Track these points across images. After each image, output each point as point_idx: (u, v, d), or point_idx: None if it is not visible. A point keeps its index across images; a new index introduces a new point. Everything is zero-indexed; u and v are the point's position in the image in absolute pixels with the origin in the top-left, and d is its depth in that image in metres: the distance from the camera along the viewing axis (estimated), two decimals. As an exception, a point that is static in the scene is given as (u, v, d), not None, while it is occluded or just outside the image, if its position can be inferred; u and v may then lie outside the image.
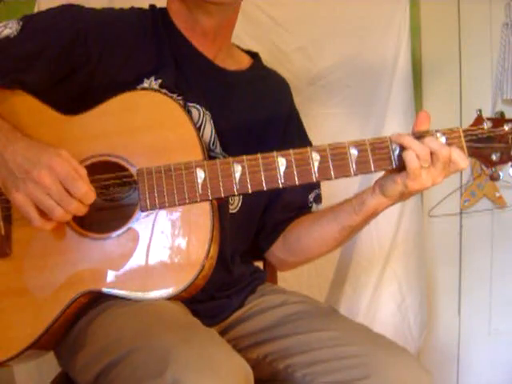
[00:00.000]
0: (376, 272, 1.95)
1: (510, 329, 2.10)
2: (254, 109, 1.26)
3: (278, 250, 1.31)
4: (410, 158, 0.97)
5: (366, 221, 1.15)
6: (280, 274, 1.46)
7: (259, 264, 1.39)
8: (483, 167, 1.97)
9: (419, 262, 1.98)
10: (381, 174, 1.08)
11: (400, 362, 1.02)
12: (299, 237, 1.26)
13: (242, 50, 1.35)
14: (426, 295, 2.00)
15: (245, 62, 1.32)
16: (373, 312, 1.95)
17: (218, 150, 1.18)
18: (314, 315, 1.17)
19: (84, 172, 1.00)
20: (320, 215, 1.24)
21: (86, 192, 0.98)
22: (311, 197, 1.31)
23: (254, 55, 1.35)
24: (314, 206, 1.32)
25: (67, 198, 0.97)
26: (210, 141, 1.17)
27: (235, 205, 1.20)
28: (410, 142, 0.98)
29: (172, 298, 1.02)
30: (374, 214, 1.12)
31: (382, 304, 1.95)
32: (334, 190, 1.42)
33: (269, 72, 1.38)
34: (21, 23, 1.09)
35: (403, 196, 1.05)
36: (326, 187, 1.35)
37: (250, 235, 1.30)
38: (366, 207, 1.10)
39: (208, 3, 1.13)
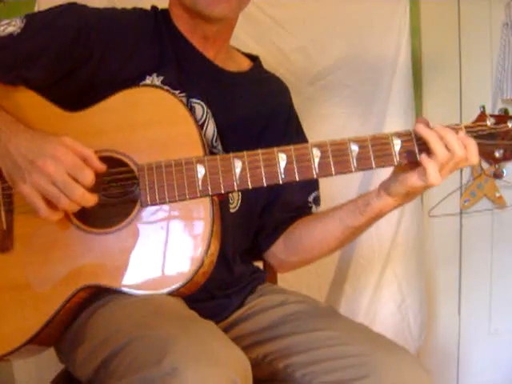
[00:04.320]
0: (376, 272, 1.95)
1: (510, 329, 2.10)
2: (254, 109, 1.27)
3: (278, 251, 1.30)
4: (431, 166, 0.97)
5: (370, 222, 1.15)
6: (280, 274, 1.46)
7: (259, 264, 1.39)
8: (483, 166, 1.97)
9: (419, 261, 1.98)
10: (382, 171, 1.08)
11: (400, 362, 1.02)
12: (301, 236, 1.26)
13: (243, 54, 1.35)
14: (425, 295, 2.00)
15: (245, 65, 1.32)
16: (373, 312, 1.95)
17: (220, 146, 1.19)
18: (314, 315, 1.17)
19: (90, 153, 1.00)
20: (323, 214, 1.24)
21: (93, 179, 0.99)
22: (311, 198, 1.31)
23: (255, 58, 1.35)
24: (314, 208, 1.32)
25: (71, 186, 0.97)
26: (212, 138, 1.17)
27: (234, 204, 1.20)
28: (435, 143, 0.96)
29: (172, 294, 1.02)
30: (378, 216, 1.12)
31: (382, 304, 1.95)
32: (334, 190, 1.42)
33: (268, 75, 1.38)
34: (24, 21, 1.10)
35: (408, 195, 1.05)
36: (325, 187, 1.35)
37: (250, 235, 1.30)
38: (371, 208, 1.10)
39: (209, 17, 1.14)
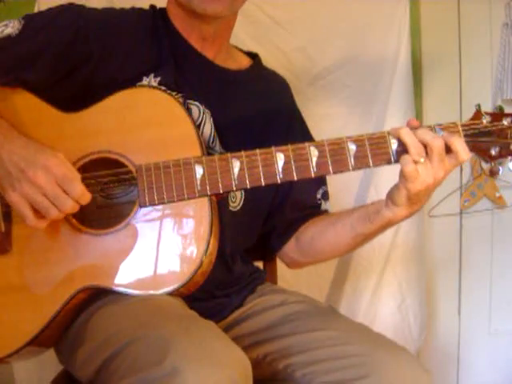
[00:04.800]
0: (376, 272, 1.95)
1: (510, 329, 2.09)
2: (254, 107, 1.26)
3: (290, 250, 1.31)
4: (404, 161, 0.96)
5: (381, 230, 1.14)
6: (280, 274, 1.46)
7: (259, 264, 1.39)
8: (482, 164, 1.97)
9: (419, 262, 1.98)
10: (382, 171, 1.07)
11: (399, 362, 1.02)
12: (313, 238, 1.26)
13: (242, 52, 1.35)
14: (425, 295, 2.00)
15: (244, 63, 1.32)
16: (373, 312, 1.95)
17: (218, 147, 1.18)
18: (314, 315, 1.17)
19: (78, 176, 1.01)
20: (335, 218, 1.23)
21: (83, 193, 0.99)
22: (319, 194, 1.31)
23: (254, 56, 1.35)
24: (323, 204, 1.32)
25: (62, 198, 0.98)
26: (209, 139, 1.17)
27: (237, 203, 1.20)
28: (405, 135, 0.97)
29: (171, 294, 1.02)
30: (388, 225, 1.10)
31: (382, 304, 1.95)
32: (334, 190, 1.42)
33: (269, 72, 1.38)
34: (22, 22, 1.10)
35: (412, 201, 1.02)
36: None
37: (253, 234, 1.30)
38: (381, 217, 1.08)
39: (204, 16, 1.14)
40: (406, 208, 1.04)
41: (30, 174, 0.97)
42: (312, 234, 1.26)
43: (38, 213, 1.00)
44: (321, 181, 1.32)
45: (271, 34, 1.87)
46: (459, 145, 0.96)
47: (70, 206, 0.99)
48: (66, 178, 0.98)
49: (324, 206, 1.32)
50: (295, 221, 1.29)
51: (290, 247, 1.30)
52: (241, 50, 1.35)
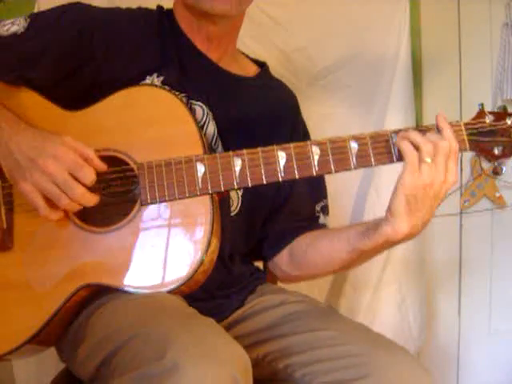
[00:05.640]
0: (376, 272, 1.95)
1: (510, 329, 2.09)
2: (257, 113, 1.26)
3: (282, 263, 1.28)
4: (406, 149, 0.97)
5: (378, 249, 1.10)
6: (280, 274, 1.46)
7: (259, 264, 1.39)
8: (482, 164, 1.97)
9: (419, 261, 1.98)
10: (382, 171, 1.07)
11: (399, 362, 1.02)
12: (307, 250, 1.23)
13: (250, 59, 1.35)
14: (425, 295, 2.00)
15: (251, 70, 1.31)
16: (373, 312, 1.95)
17: (220, 149, 1.18)
18: (314, 315, 1.16)
19: (91, 152, 1.01)
20: (332, 232, 1.22)
21: (94, 178, 1.00)
22: (318, 207, 1.29)
23: (262, 65, 1.34)
24: (322, 217, 1.30)
25: (72, 185, 0.98)
26: (212, 140, 1.17)
27: (234, 207, 1.20)
28: (416, 138, 0.97)
29: (172, 292, 1.02)
30: (386, 243, 1.06)
31: (382, 304, 1.95)
32: (334, 192, 1.41)
33: (276, 82, 1.37)
34: (28, 20, 1.10)
35: (410, 206, 0.99)
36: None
37: (250, 238, 1.29)
38: (380, 232, 1.04)
39: (212, 15, 1.14)
40: (405, 219, 1.00)
41: (40, 162, 0.98)
42: (306, 248, 1.24)
43: (50, 202, 1.00)
44: (322, 193, 1.30)
45: (272, 35, 1.87)
46: (448, 130, 0.98)
47: (80, 193, 0.99)
48: (76, 166, 0.99)
49: (322, 219, 1.29)
50: (289, 231, 1.27)
51: (283, 260, 1.28)
52: (249, 58, 1.35)
